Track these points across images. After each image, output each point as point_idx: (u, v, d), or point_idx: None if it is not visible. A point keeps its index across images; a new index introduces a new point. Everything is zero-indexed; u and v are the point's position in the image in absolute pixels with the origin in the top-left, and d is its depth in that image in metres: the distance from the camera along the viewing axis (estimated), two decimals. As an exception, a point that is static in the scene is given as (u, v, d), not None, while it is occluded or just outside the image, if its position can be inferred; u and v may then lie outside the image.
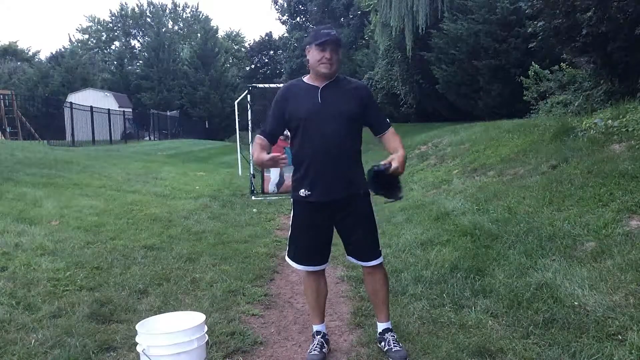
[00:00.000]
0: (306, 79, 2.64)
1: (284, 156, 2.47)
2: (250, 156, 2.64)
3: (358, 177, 2.61)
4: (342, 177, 2.54)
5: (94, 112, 20.68)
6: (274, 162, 2.50)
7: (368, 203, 2.67)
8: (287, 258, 2.76)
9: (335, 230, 2.67)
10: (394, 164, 2.43)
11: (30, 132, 20.21)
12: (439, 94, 15.73)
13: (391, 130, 2.66)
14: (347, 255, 2.74)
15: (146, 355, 2.21)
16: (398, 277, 3.70)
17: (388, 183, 2.50)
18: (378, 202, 2.77)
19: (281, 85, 2.97)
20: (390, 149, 2.61)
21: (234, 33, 59.84)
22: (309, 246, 2.65)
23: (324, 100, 2.54)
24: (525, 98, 11.00)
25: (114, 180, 8.76)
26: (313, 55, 2.54)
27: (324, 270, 2.76)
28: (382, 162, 2.47)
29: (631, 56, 7.15)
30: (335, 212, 2.57)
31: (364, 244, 2.63)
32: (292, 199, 2.69)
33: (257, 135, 2.66)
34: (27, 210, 5.58)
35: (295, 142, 2.63)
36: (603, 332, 2.47)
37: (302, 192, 2.57)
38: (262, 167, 2.57)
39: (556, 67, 10.16)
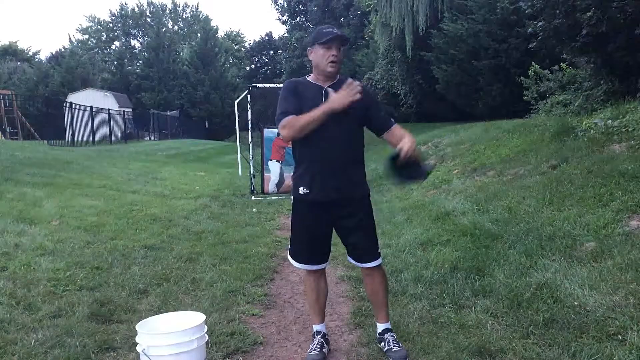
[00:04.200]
0: (310, 78, 2.63)
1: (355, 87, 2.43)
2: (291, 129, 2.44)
3: (359, 178, 2.61)
4: (342, 178, 2.53)
5: (94, 112, 20.68)
6: (345, 96, 2.42)
7: (368, 204, 2.66)
8: (288, 256, 2.77)
9: (334, 230, 2.67)
10: (405, 147, 2.39)
11: (30, 132, 20.22)
12: (439, 94, 15.73)
13: (396, 125, 2.62)
14: (348, 256, 2.73)
15: (146, 355, 2.21)
16: (398, 277, 3.71)
17: (407, 166, 2.44)
18: (377, 202, 2.76)
19: (281, 85, 2.95)
20: (396, 141, 2.54)
21: (234, 33, 59.84)
22: (308, 245, 2.64)
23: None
24: (525, 98, 11.00)
25: (114, 180, 8.76)
26: (318, 54, 2.52)
27: (324, 270, 2.76)
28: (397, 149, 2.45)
29: (631, 56, 7.15)
30: (334, 212, 2.57)
31: (362, 245, 2.62)
32: (292, 198, 2.68)
33: (288, 118, 2.46)
34: (27, 210, 5.58)
35: (297, 140, 2.58)
36: (603, 332, 2.47)
37: (301, 190, 2.56)
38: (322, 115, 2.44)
39: (556, 67, 10.16)
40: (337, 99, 2.43)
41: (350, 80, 2.51)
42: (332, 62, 2.50)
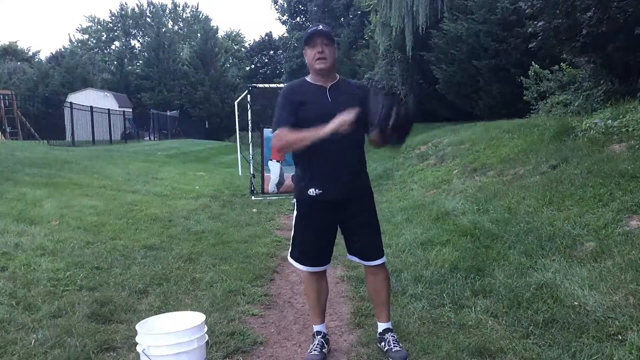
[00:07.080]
0: (309, 78, 2.62)
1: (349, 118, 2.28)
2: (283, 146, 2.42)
3: (364, 176, 2.64)
4: (351, 176, 2.55)
5: (94, 112, 20.67)
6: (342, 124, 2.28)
7: (372, 202, 2.68)
8: (290, 259, 2.73)
9: (340, 230, 2.66)
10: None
11: (30, 132, 20.17)
12: (439, 94, 15.71)
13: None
14: (350, 254, 2.71)
15: (146, 355, 2.21)
16: (398, 277, 3.71)
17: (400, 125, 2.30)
18: (377, 202, 2.77)
19: (281, 85, 2.95)
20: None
21: (234, 33, 59.89)
22: (313, 247, 2.62)
23: (333, 100, 2.51)
24: (525, 98, 10.99)
25: (114, 180, 8.75)
26: (308, 55, 2.55)
27: (325, 270, 2.75)
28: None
29: (631, 56, 7.16)
30: (342, 211, 2.56)
31: (369, 242, 2.62)
32: (294, 200, 2.66)
33: (281, 129, 2.48)
34: (27, 210, 5.58)
35: None
36: (603, 332, 2.47)
37: (312, 192, 2.52)
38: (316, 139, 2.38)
39: (556, 67, 10.15)
40: (341, 122, 2.30)
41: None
42: (318, 58, 2.49)
